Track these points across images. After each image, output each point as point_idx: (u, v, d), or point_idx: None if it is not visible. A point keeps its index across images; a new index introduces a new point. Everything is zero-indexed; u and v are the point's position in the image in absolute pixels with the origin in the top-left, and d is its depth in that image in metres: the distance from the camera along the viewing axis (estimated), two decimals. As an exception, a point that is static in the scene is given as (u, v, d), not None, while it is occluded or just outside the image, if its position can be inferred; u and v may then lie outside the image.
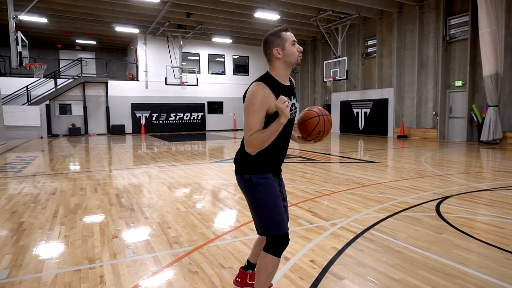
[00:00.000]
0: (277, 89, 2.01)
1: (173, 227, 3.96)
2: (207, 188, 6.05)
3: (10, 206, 4.98)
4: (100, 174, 7.53)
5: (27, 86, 19.08)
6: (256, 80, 2.02)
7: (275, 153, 2.12)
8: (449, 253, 3.12)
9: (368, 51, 19.18)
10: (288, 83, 2.12)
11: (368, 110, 18.82)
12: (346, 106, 20.22)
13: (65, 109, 20.85)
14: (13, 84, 18.78)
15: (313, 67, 23.56)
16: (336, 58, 18.73)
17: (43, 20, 17.55)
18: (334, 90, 21.31)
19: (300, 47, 2.09)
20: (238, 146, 13.93)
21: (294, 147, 12.88)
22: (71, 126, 20.56)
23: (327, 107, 22.34)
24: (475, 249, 3.21)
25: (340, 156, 10.32)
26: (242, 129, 25.20)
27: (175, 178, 6.97)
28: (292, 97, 2.09)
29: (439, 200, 4.99)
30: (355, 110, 19.63)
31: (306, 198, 5.20)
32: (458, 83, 14.61)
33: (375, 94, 18.39)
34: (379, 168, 7.91)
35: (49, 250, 3.34)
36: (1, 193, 5.77)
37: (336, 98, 21.03)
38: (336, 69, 18.56)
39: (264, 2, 15.94)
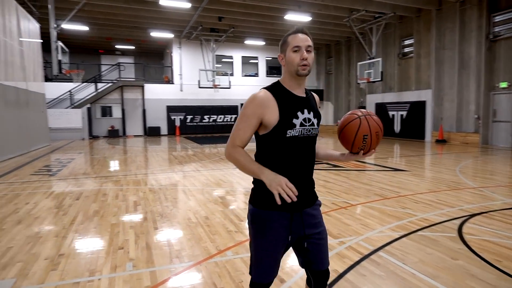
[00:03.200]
0: (286, 99, 1.75)
1: (178, 240, 3.98)
2: (223, 197, 6.05)
3: (36, 211, 5.26)
4: (125, 179, 7.78)
5: (70, 91, 20.23)
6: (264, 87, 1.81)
7: (284, 174, 1.72)
8: (460, 284, 2.87)
9: (405, 51, 18.38)
10: (302, 95, 1.82)
11: (404, 113, 18.04)
12: (381, 109, 19.52)
13: (105, 111, 21.86)
14: (57, 88, 19.97)
15: (348, 68, 22.98)
16: (370, 59, 18.12)
17: (85, 28, 18.50)
18: (369, 92, 20.65)
19: (305, 55, 1.73)
20: None
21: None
22: (110, 128, 21.51)
23: (362, 109, 21.68)
24: (492, 281, 2.93)
25: (368, 163, 9.95)
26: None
27: (195, 185, 7.04)
28: (307, 111, 1.79)
29: (465, 218, 4.64)
30: (390, 113, 18.90)
31: (323, 211, 5.02)
32: (504, 85, 13.60)
33: (412, 96, 17.59)
34: (407, 178, 7.52)
35: (56, 259, 3.46)
36: (30, 197, 6.11)
37: (371, 100, 20.36)
38: (370, 71, 17.96)
39: (295, 4, 15.75)
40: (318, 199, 1.96)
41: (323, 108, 26.25)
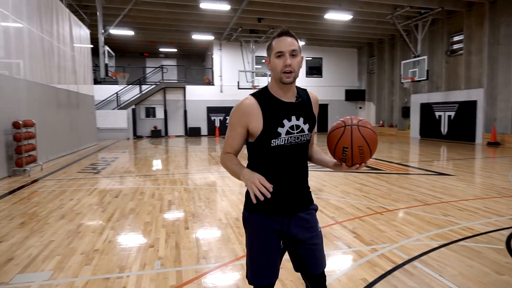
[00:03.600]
0: (271, 106, 1.68)
1: (207, 240, 4.01)
2: (256, 198, 6.01)
3: (78, 207, 5.55)
4: (163, 178, 8.01)
5: (116, 93, 21.28)
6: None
7: (273, 191, 1.66)
8: (504, 301, 2.62)
9: (454, 48, 17.33)
10: (291, 100, 1.73)
11: (452, 113, 17.01)
12: (427, 109, 18.56)
13: (148, 112, 22.74)
14: (105, 90, 21.07)
15: (391, 67, 22.11)
16: (415, 57, 17.30)
17: (131, 32, 19.37)
18: (413, 91, 19.73)
19: (288, 61, 1.62)
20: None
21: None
22: (153, 129, 22.34)
23: (406, 109, 20.78)
24: (542, 299, 2.65)
25: (410, 166, 9.47)
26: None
27: (229, 186, 7.09)
28: (295, 117, 1.70)
29: (515, 228, 4.25)
30: (437, 113, 17.91)
31: (354, 216, 4.85)
32: None
33: (461, 95, 16.55)
34: (452, 183, 7.06)
35: (91, 254, 3.62)
36: (75, 194, 6.47)
37: (416, 100, 19.42)
38: (415, 69, 17.14)
39: (335, 2, 15.42)
40: (314, 203, 1.90)
41: (364, 109, 25.50)
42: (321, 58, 25.17)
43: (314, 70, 25.57)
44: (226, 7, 15.26)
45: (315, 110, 1.83)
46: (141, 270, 3.25)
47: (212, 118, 23.57)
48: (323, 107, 25.39)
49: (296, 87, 1.81)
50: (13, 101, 8.72)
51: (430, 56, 17.77)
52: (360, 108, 26.02)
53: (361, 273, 3.11)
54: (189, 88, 22.99)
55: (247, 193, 1.80)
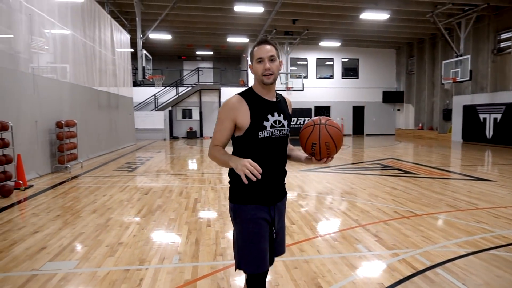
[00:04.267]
0: (257, 103, 1.90)
1: (226, 238, 4.06)
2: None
3: (110, 202, 5.82)
4: (192, 177, 8.20)
5: (154, 95, 22.06)
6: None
7: (260, 180, 1.77)
8: (531, 314, 2.44)
9: (501, 46, 16.30)
10: (273, 99, 1.96)
11: (498, 116, 15.98)
12: (470, 111, 17.58)
13: (185, 114, 23.36)
14: (144, 93, 21.90)
15: (432, 67, 21.20)
16: (457, 56, 16.47)
17: (168, 36, 20.02)
18: (456, 93, 18.76)
19: (267, 66, 1.86)
20: (344, 152, 13.26)
21: (394, 156, 11.80)
22: (188, 130, 22.91)
23: (447, 112, 19.82)
24: None
25: (448, 171, 9.02)
26: (349, 135, 24.27)
27: (256, 186, 7.12)
28: (277, 113, 1.93)
29: (556, 238, 3.93)
30: (481, 116, 16.91)
31: (379, 219, 4.71)
32: None
33: (508, 96, 15.52)
34: (491, 189, 6.65)
35: (115, 247, 3.78)
36: (108, 190, 6.79)
37: (459, 102, 18.45)
38: (457, 69, 16.32)
39: (371, 1, 15.05)
40: (287, 193, 2.13)
41: (403, 111, 24.63)
42: (357, 59, 24.62)
43: (350, 71, 25.06)
44: (259, 9, 15.37)
45: (290, 111, 2.11)
46: (160, 263, 3.36)
47: (246, 119, 23.72)
48: (359, 109, 24.81)
49: (276, 91, 2.06)
50: (57, 103, 9.30)
51: (474, 56, 16.84)
52: (398, 110, 25.16)
53: (378, 278, 3.02)
54: (224, 90, 23.34)
55: (233, 186, 1.98)
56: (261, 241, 1.89)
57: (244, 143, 1.92)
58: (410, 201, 5.71)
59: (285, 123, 1.98)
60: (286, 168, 2.05)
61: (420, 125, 22.63)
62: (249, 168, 1.70)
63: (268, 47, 1.89)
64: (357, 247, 3.73)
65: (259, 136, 1.88)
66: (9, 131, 6.59)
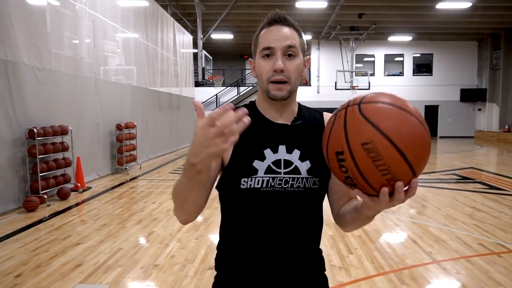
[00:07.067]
0: (257, 126, 1.07)
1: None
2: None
3: (157, 212, 5.64)
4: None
5: (216, 94, 22.29)
6: None
7: (250, 258, 1.09)
8: None
9: None
10: (284, 121, 1.12)
11: None
12: None
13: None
14: (206, 92, 22.24)
15: (524, 61, 18.51)
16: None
17: (230, 36, 20.02)
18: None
19: (279, 64, 1.03)
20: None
21: (474, 165, 10.30)
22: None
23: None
24: None
25: (546, 187, 7.53)
26: (420, 137, 22.26)
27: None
28: (285, 148, 1.08)
29: None
30: None
31: (460, 255, 3.84)
32: None
33: None
34: None
35: (150, 270, 3.48)
36: (159, 197, 6.67)
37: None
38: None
39: (450, -11, 13.41)
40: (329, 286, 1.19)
41: (485, 111, 21.90)
42: (431, 54, 22.44)
43: (423, 67, 22.96)
44: (323, 4, 14.55)
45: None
46: (191, 298, 2.97)
47: (307, 119, 22.99)
48: (433, 109, 22.61)
49: (302, 106, 1.20)
50: (119, 105, 9.55)
51: None
52: (479, 110, 22.46)
53: None
54: (285, 89, 22.82)
55: (221, 248, 1.17)
56: None
57: (223, 195, 1.14)
58: (500, 229, 4.68)
59: (302, 167, 1.07)
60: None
61: (507, 127, 19.91)
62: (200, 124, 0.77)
63: (285, 30, 1.07)
64: (431, 296, 2.99)
65: (242, 186, 1.05)
66: (68, 135, 6.77)
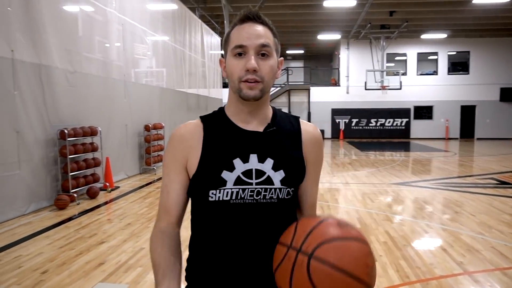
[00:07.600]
0: (220, 134, 1.04)
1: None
2: (366, 223, 5.16)
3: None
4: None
5: (244, 95, 22.41)
6: None
7: (221, 273, 1.06)
8: None
9: None
10: (255, 128, 1.06)
11: None
12: None
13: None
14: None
15: None
16: None
17: (258, 37, 20.04)
18: None
19: (252, 63, 0.97)
20: (448, 160, 11.59)
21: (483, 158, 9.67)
22: (276, 130, 22.73)
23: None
24: None
25: None
26: (456, 138, 21.32)
27: (337, 202, 6.34)
28: (256, 157, 1.02)
29: None
30: None
31: (495, 266, 3.59)
32: None
33: None
34: None
35: (169, 271, 3.50)
36: (184, 197, 6.73)
37: None
38: None
39: (488, -17, 12.73)
40: None
41: (528, 111, 20.59)
42: (468, 51, 21.41)
43: (459, 66, 21.96)
44: (352, 2, 14.21)
45: (309, 154, 1.08)
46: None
47: (337, 120, 22.59)
48: (469, 109, 21.52)
49: (276, 110, 1.14)
50: (147, 106, 9.76)
51: None
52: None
53: None
54: (314, 90, 22.56)
55: (191, 257, 1.13)
56: None
57: (193, 208, 1.10)
58: (541, 240, 4.35)
59: (276, 177, 1.01)
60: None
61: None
62: None
63: (259, 28, 1.02)
64: (460, 310, 2.80)
65: (211, 199, 1.02)
66: (98, 135, 6.98)
